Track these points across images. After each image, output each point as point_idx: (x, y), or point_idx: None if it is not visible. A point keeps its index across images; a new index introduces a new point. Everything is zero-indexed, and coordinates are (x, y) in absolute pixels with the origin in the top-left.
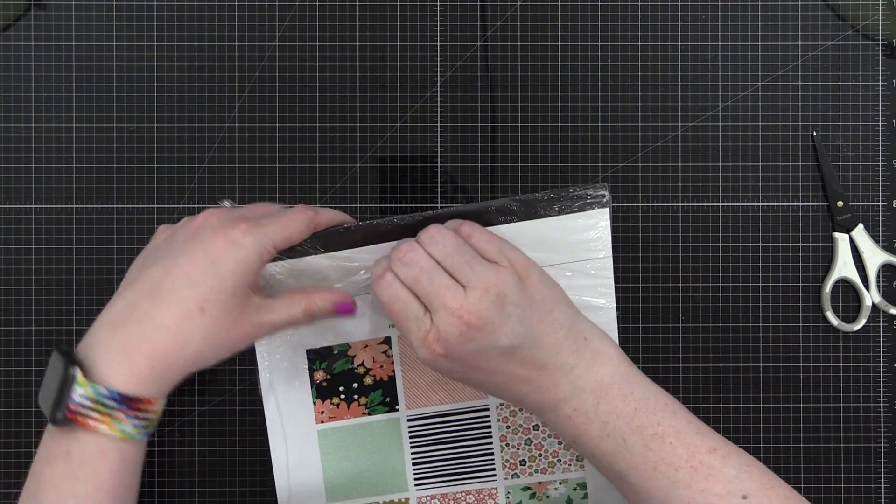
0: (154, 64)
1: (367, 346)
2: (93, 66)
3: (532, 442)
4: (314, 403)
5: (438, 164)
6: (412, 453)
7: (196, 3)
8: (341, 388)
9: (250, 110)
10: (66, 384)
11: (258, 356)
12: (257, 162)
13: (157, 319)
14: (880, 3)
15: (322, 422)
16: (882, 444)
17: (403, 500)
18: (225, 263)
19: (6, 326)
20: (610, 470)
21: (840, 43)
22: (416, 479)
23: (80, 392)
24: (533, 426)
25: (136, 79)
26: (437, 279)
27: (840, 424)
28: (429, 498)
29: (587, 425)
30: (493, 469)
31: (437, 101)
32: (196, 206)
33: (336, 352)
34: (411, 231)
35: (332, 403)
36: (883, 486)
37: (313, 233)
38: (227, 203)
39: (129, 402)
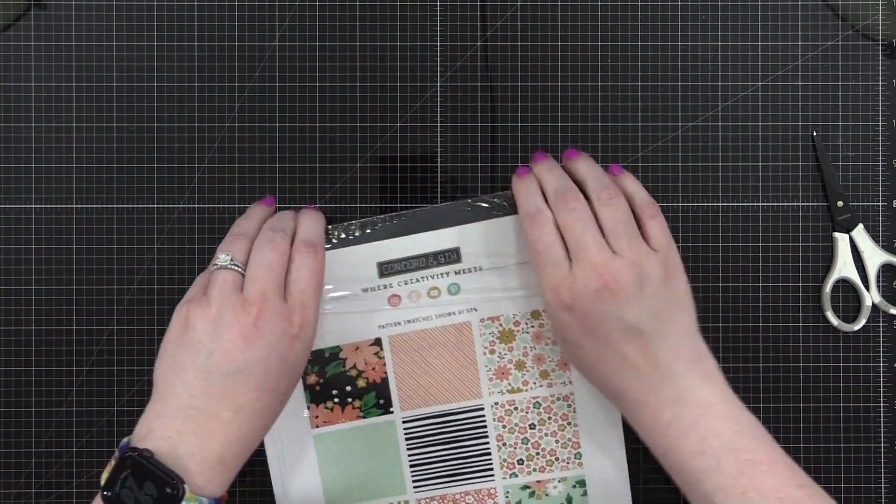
0: (154, 64)
1: (357, 347)
2: (93, 66)
3: (529, 441)
4: (308, 408)
5: (438, 164)
6: (409, 455)
7: (196, 3)
8: (335, 392)
9: (250, 110)
10: (173, 501)
11: None
12: (257, 162)
13: (238, 428)
14: (880, 3)
15: (317, 426)
16: (882, 444)
17: (403, 502)
18: (295, 357)
19: (6, 326)
20: (696, 489)
21: (840, 43)
22: (414, 480)
23: None
24: (529, 425)
25: (136, 79)
26: (592, 233)
27: (840, 424)
28: (428, 500)
29: (683, 439)
30: (491, 469)
31: (437, 101)
32: (196, 205)
33: (327, 355)
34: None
35: (325, 407)
36: (883, 486)
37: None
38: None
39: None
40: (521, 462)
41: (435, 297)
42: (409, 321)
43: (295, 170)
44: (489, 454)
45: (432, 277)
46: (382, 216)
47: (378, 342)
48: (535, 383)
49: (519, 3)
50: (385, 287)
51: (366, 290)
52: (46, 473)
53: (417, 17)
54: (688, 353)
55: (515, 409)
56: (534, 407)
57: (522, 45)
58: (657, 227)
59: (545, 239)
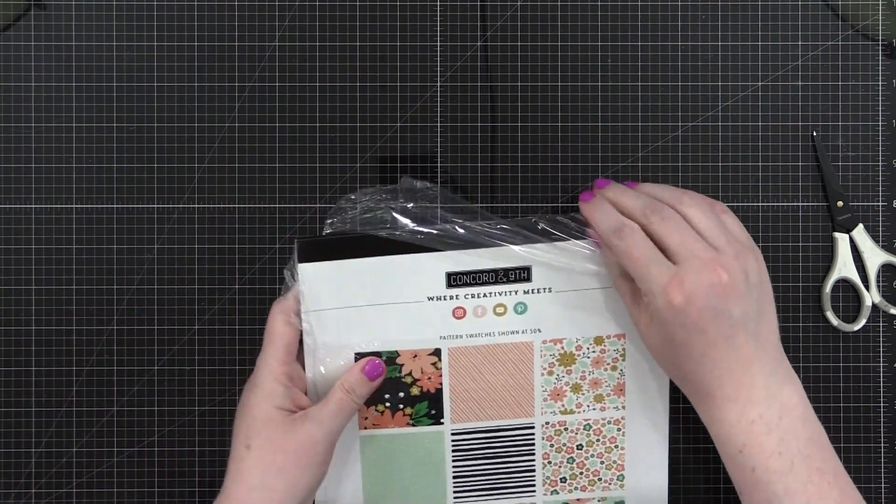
0: (154, 64)
1: (416, 356)
2: (93, 66)
3: (574, 460)
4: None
5: (438, 164)
6: (454, 466)
7: (196, 3)
8: (387, 396)
9: (250, 110)
10: None
11: (305, 355)
12: (257, 162)
13: (226, 475)
14: (880, 3)
15: (365, 427)
16: (882, 444)
17: None
18: (249, 403)
19: (6, 326)
20: (762, 489)
21: (840, 43)
22: (455, 491)
23: None
24: (577, 445)
25: (136, 79)
26: (693, 234)
27: (840, 424)
28: None
29: (766, 436)
30: (533, 485)
31: (437, 101)
32: (196, 205)
33: (384, 358)
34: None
35: (376, 410)
36: (883, 486)
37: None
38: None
39: None
40: (563, 480)
41: (501, 314)
42: (471, 335)
43: (295, 170)
44: (533, 471)
45: (500, 294)
46: (449, 225)
47: (437, 353)
48: (588, 406)
49: (519, 3)
50: (451, 298)
51: (431, 298)
52: (46, 473)
53: (417, 17)
54: (776, 352)
55: (566, 429)
56: (584, 429)
57: (522, 45)
58: (733, 222)
59: (640, 245)
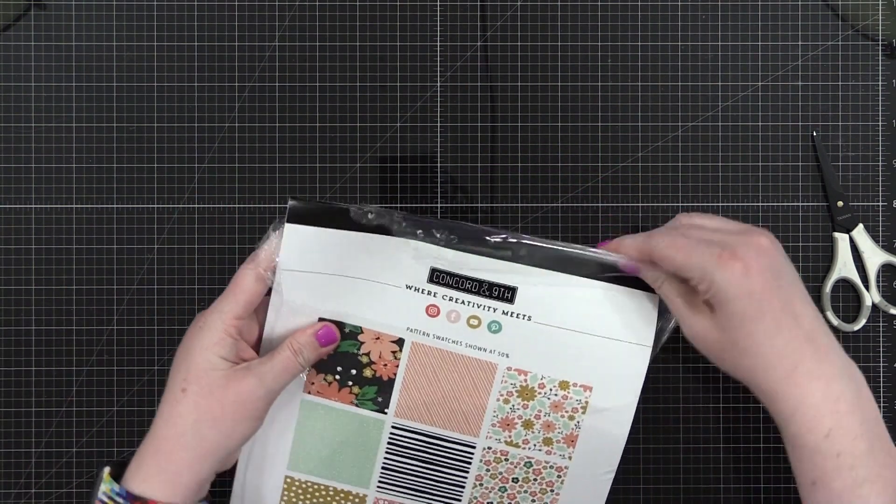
0: (154, 64)
1: (378, 338)
2: (93, 66)
3: (506, 491)
4: (307, 372)
5: (438, 164)
6: (385, 458)
7: (196, 3)
8: (339, 369)
9: (250, 110)
10: (96, 481)
11: (268, 311)
12: (257, 162)
13: (157, 415)
14: (880, 3)
15: (309, 392)
16: None
17: (361, 495)
18: (193, 346)
19: (6, 326)
20: (849, 476)
21: (840, 43)
22: (380, 481)
23: (102, 489)
24: (513, 478)
25: (136, 79)
26: (718, 220)
27: None
28: (386, 502)
29: (850, 416)
30: (459, 500)
31: (437, 101)
32: (196, 205)
33: (347, 330)
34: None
35: (324, 379)
36: None
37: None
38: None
39: (132, 500)
40: None
41: (474, 326)
42: (438, 337)
43: (295, 170)
44: (462, 487)
45: (478, 307)
46: (443, 222)
47: (400, 343)
48: (535, 445)
49: (519, 3)
50: (429, 293)
51: (409, 287)
52: (46, 473)
53: (417, 17)
54: (824, 322)
55: (506, 460)
56: (524, 465)
57: (522, 45)
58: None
59: (681, 238)
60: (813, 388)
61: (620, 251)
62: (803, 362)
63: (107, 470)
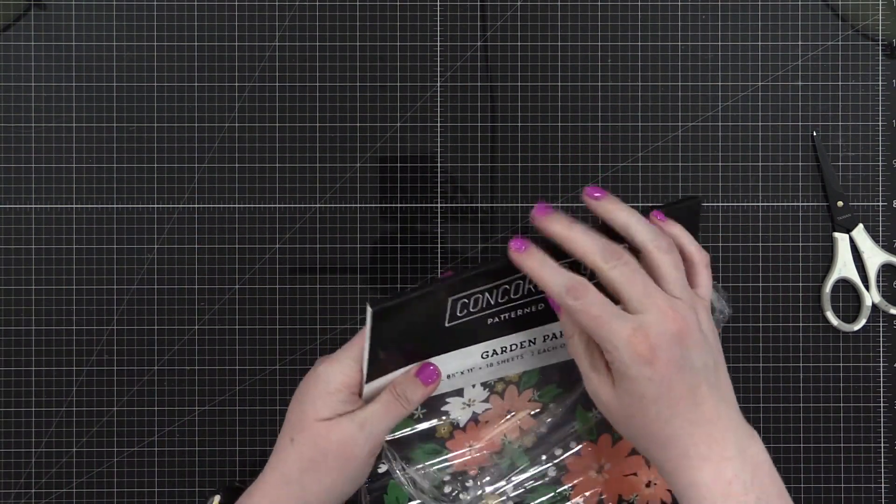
0: (154, 64)
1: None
2: (93, 66)
3: None
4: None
5: (438, 164)
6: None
7: (196, 3)
8: None
9: (250, 110)
10: None
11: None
12: (257, 162)
13: (269, 458)
14: (880, 3)
15: None
16: (882, 444)
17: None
18: (306, 394)
19: (6, 326)
20: None
21: (840, 43)
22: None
23: None
24: None
25: (136, 79)
26: (651, 283)
27: (840, 424)
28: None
29: (744, 496)
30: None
31: (437, 101)
32: (196, 205)
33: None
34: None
35: None
36: (883, 486)
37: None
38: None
39: None
40: None
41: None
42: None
43: (295, 170)
44: None
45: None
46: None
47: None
48: None
49: (519, 3)
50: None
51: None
52: (46, 473)
53: (417, 17)
54: (736, 406)
55: None
56: None
57: (522, 45)
58: (707, 277)
59: (597, 301)
60: (704, 469)
61: (549, 232)
62: (696, 446)
63: (217, 499)
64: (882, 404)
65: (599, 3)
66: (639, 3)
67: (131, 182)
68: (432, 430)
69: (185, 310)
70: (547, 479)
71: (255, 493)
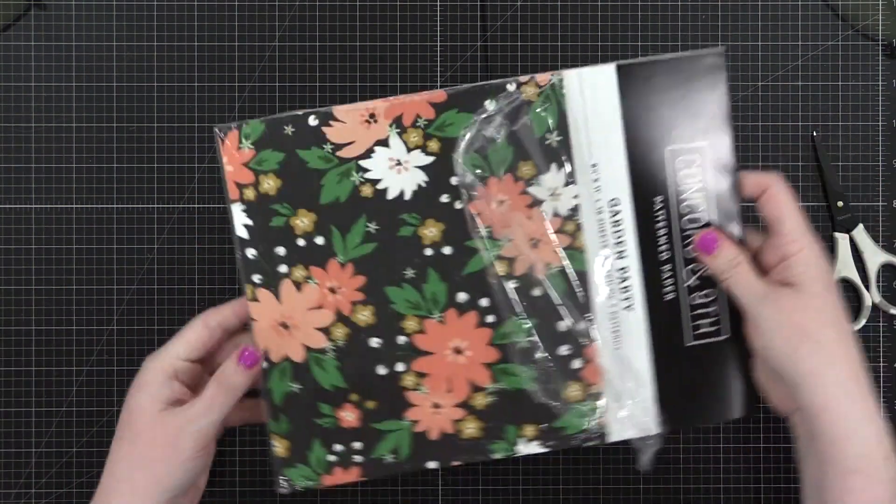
0: (154, 64)
1: None
2: (93, 66)
3: None
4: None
5: None
6: None
7: (196, 3)
8: None
9: (250, 110)
10: None
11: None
12: None
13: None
14: (880, 3)
15: None
16: None
17: None
18: (132, 392)
19: (6, 326)
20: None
21: (840, 43)
22: None
23: None
24: None
25: (136, 79)
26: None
27: None
28: None
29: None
30: None
31: None
32: (196, 205)
33: None
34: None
35: None
36: None
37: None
38: None
39: None
40: None
41: None
42: None
43: None
44: None
45: None
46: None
47: None
48: None
49: (519, 3)
50: None
51: None
52: (46, 473)
53: (417, 17)
54: None
55: None
56: None
57: (522, 45)
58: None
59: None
60: (874, 408)
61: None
62: (859, 383)
63: None
64: (882, 404)
65: (599, 3)
66: (639, 3)
67: (131, 182)
68: None
69: (185, 310)
70: None
71: (95, 500)
